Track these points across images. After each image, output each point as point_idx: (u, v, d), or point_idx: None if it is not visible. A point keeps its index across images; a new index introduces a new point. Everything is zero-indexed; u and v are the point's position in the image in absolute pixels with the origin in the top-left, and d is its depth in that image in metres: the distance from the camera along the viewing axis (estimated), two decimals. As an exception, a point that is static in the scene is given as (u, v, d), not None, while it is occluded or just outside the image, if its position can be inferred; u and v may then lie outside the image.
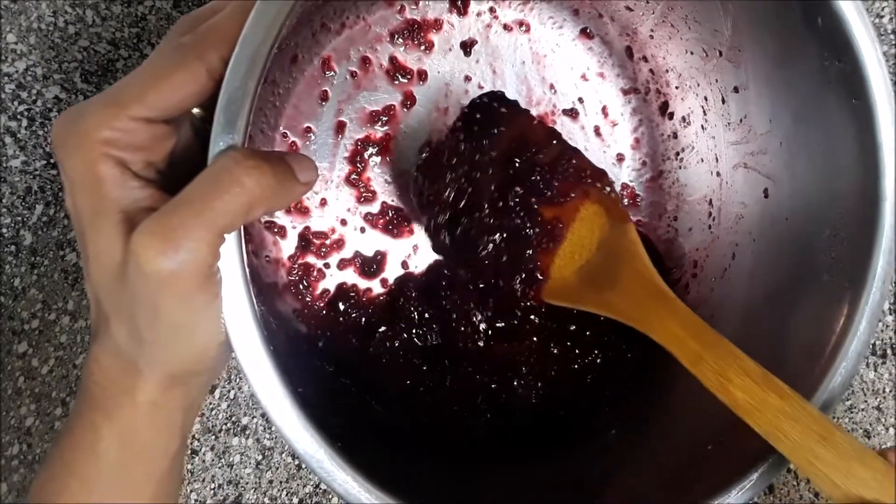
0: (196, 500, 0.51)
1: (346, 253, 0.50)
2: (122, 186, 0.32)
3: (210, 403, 0.51)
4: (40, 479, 0.35)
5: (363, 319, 0.49)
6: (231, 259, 0.32)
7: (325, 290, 0.50)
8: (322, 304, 0.49)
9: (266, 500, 0.52)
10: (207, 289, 0.31)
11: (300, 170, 0.33)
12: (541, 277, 0.43)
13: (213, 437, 0.51)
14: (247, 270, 0.32)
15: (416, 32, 0.51)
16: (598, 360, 0.50)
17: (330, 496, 0.53)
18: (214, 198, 0.29)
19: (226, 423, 0.52)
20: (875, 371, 0.58)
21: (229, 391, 0.52)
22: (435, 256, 0.51)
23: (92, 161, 0.31)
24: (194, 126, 0.36)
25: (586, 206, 0.43)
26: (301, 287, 0.49)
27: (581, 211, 0.43)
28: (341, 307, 0.49)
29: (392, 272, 0.51)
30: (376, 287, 0.51)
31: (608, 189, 0.43)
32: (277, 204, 0.32)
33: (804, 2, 0.39)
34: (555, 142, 0.43)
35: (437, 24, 0.51)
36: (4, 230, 0.47)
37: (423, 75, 0.51)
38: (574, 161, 0.43)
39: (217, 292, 0.31)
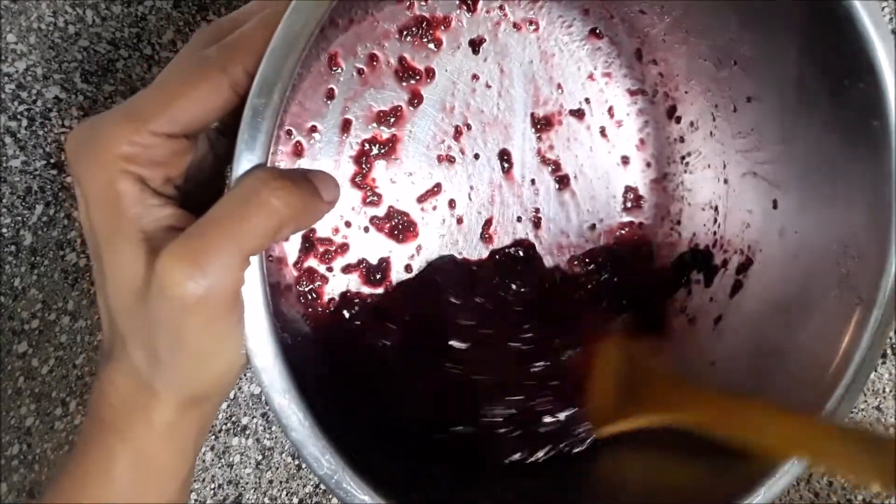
0: (196, 500, 0.51)
1: (351, 258, 0.50)
2: (141, 204, 0.31)
3: (210, 403, 0.51)
4: (49, 499, 0.34)
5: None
6: (253, 279, 0.31)
7: (332, 299, 0.49)
8: (328, 313, 0.49)
9: (266, 500, 0.52)
10: (233, 313, 0.30)
11: (324, 188, 0.32)
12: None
13: (213, 437, 0.51)
14: (269, 296, 0.31)
15: (425, 29, 0.50)
16: None
17: (330, 497, 0.53)
18: (242, 220, 0.29)
19: (226, 423, 0.51)
20: (875, 371, 0.58)
21: (230, 391, 0.52)
22: (433, 255, 0.52)
23: (110, 177, 0.30)
24: (209, 138, 0.35)
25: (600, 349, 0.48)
26: (310, 298, 0.49)
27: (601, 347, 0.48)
28: (346, 315, 0.49)
29: (396, 276, 0.51)
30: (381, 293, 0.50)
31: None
32: (303, 224, 0.31)
33: (825, 20, 0.38)
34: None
35: (445, 21, 0.50)
36: (4, 230, 0.46)
37: (430, 73, 0.50)
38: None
39: (241, 316, 0.31)
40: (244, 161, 0.31)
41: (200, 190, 0.34)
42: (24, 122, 0.46)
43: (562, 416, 0.49)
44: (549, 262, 0.53)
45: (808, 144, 0.43)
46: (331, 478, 0.34)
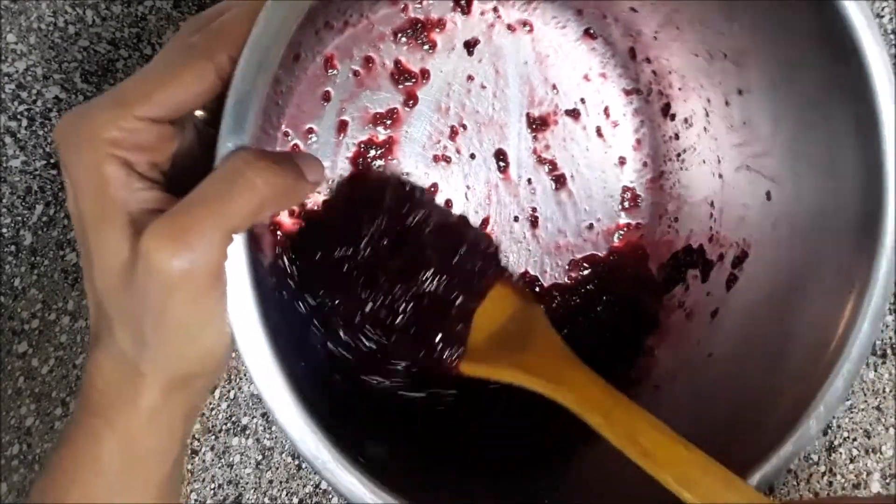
0: (196, 500, 0.51)
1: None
2: (127, 188, 0.31)
3: (210, 403, 0.51)
4: (39, 487, 0.34)
5: None
6: (237, 259, 0.31)
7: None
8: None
9: (266, 500, 0.52)
10: (217, 288, 0.30)
11: (308, 170, 0.33)
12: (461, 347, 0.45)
13: (213, 437, 0.51)
14: (251, 269, 0.32)
15: (420, 31, 0.51)
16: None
17: (330, 496, 0.53)
18: (226, 199, 0.29)
19: (226, 423, 0.52)
20: (875, 371, 0.58)
21: (229, 391, 0.52)
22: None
23: (97, 162, 0.31)
24: (196, 127, 0.36)
25: (496, 289, 0.49)
26: None
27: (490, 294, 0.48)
28: None
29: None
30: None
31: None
32: (287, 203, 0.32)
33: (811, 6, 0.38)
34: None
35: (440, 24, 0.51)
36: (4, 230, 0.47)
37: (425, 74, 0.51)
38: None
39: (224, 291, 0.31)
40: (228, 143, 0.31)
41: (187, 178, 0.34)
42: (24, 122, 0.46)
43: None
44: (547, 264, 0.53)
45: (799, 134, 0.44)
46: (317, 458, 0.34)
